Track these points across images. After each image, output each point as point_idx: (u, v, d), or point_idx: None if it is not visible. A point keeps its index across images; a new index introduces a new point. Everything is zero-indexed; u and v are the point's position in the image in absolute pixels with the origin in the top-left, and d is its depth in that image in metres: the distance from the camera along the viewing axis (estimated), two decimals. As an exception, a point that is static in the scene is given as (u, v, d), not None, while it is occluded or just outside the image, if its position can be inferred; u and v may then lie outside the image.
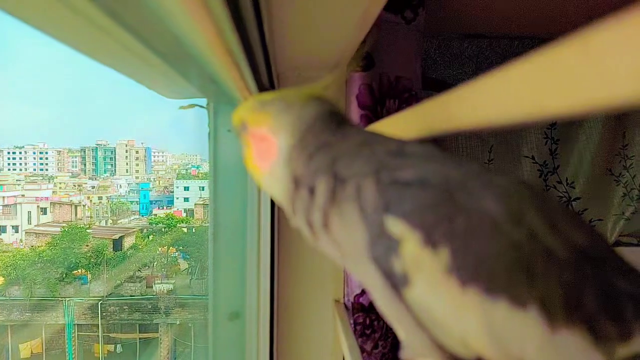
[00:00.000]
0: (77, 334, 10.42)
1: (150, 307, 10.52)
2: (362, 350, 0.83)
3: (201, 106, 0.81)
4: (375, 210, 0.27)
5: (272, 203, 0.86)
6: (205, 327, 0.90)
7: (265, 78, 0.66)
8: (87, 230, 12.12)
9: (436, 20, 0.94)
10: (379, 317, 0.84)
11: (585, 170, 1.14)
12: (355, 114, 0.81)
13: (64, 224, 12.57)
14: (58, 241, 11.20)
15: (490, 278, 0.23)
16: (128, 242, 12.15)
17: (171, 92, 0.78)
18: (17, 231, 13.87)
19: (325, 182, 0.30)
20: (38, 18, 0.39)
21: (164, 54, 0.48)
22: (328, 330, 0.92)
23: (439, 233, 0.24)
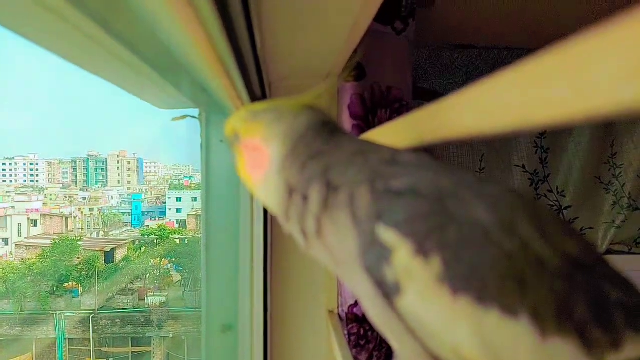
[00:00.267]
0: (69, 348, 10.25)
1: (142, 320, 10.39)
2: (357, 361, 0.82)
3: (193, 117, 0.81)
4: (368, 219, 0.27)
5: (265, 214, 0.85)
6: (199, 340, 0.89)
7: (257, 87, 0.66)
8: (78, 242, 12.00)
9: (426, 31, 0.95)
10: (373, 328, 0.84)
11: (575, 178, 1.15)
12: (347, 124, 0.81)
13: (54, 236, 12.43)
14: (49, 253, 11.07)
15: (482, 287, 0.23)
16: (120, 254, 12.03)
17: (163, 102, 0.78)
18: (7, 244, 13.68)
19: (318, 189, 0.30)
20: (28, 27, 0.39)
21: (156, 63, 0.48)
22: (322, 341, 0.91)
23: (431, 242, 0.24)
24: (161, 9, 0.27)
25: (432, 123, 0.29)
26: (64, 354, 10.12)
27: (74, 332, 10.28)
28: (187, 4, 0.26)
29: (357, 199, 0.28)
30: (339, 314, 0.89)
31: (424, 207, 0.25)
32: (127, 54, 0.44)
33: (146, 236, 13.51)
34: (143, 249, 12.86)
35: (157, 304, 10.56)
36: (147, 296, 10.79)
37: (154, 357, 10.18)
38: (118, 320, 10.40)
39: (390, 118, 0.82)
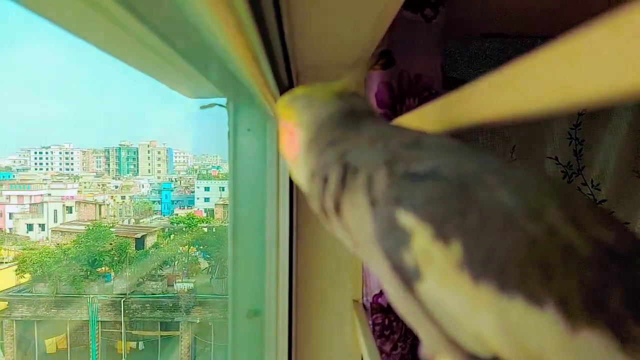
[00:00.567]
0: (101, 330, 10.63)
1: (171, 305, 10.67)
2: (381, 351, 0.82)
3: (221, 105, 0.82)
4: (386, 202, 0.27)
5: (291, 202, 0.86)
6: (225, 326, 0.91)
7: (285, 76, 0.66)
8: (111, 229, 12.37)
9: (457, 19, 0.93)
10: (398, 318, 0.83)
11: (611, 171, 1.11)
12: (374, 112, 0.81)
13: (88, 223, 12.86)
14: (83, 239, 11.46)
15: (504, 274, 0.22)
16: (150, 241, 12.35)
17: (192, 91, 0.79)
18: (43, 229, 14.25)
19: (336, 171, 0.31)
20: (60, 15, 0.40)
21: (186, 51, 0.49)
22: (347, 330, 0.91)
23: (451, 227, 0.24)
24: (192, -6, 0.28)
25: (466, 106, 0.29)
26: (97, 335, 10.51)
27: (106, 315, 10.65)
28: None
29: (375, 182, 0.28)
30: (363, 304, 0.89)
31: (444, 191, 0.25)
32: (158, 42, 0.44)
33: (175, 224, 13.82)
34: (172, 236, 13.17)
35: (185, 290, 10.82)
36: (175, 282, 11.07)
37: (181, 341, 10.45)
38: (148, 305, 10.72)
39: (419, 107, 0.81)
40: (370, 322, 0.84)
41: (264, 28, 0.42)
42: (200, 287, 11.28)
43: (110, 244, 11.44)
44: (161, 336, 10.81)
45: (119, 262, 11.12)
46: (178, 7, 0.36)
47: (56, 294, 10.57)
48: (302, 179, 0.36)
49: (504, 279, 0.23)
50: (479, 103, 0.27)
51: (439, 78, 0.84)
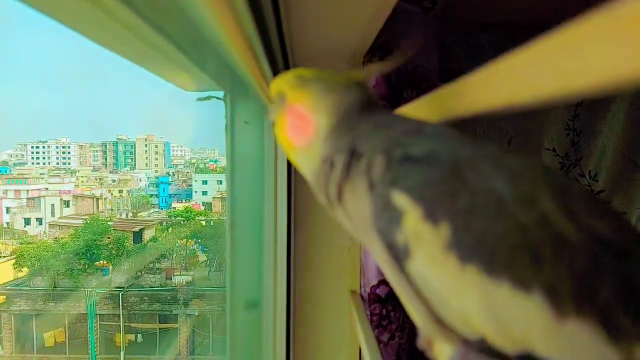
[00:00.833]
0: (99, 324, 10.65)
1: (169, 298, 10.70)
2: (379, 341, 0.82)
3: (218, 98, 0.82)
4: (382, 184, 0.27)
5: (289, 194, 0.86)
6: (223, 318, 0.91)
7: (282, 68, 0.66)
8: (109, 223, 12.36)
9: (454, 10, 0.92)
10: (395, 308, 0.84)
11: (608, 162, 1.11)
12: (372, 104, 0.80)
13: (86, 217, 12.84)
14: (80, 233, 11.45)
15: (492, 258, 0.23)
16: (148, 234, 12.35)
17: (189, 84, 0.79)
18: (41, 223, 14.22)
19: (342, 157, 0.31)
20: (55, 7, 0.40)
21: (182, 43, 0.49)
22: (344, 320, 0.92)
23: (441, 208, 0.24)
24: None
25: (462, 97, 0.29)
26: (95, 328, 10.53)
27: (104, 308, 10.67)
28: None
29: (375, 165, 0.28)
30: (361, 294, 0.90)
31: (438, 173, 0.25)
32: (153, 34, 0.44)
33: (173, 217, 13.82)
34: (170, 229, 13.17)
35: (183, 282, 10.84)
36: (173, 275, 11.09)
37: (180, 333, 10.50)
38: (146, 298, 10.74)
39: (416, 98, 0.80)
40: (368, 312, 0.84)
41: (261, 20, 0.42)
42: (199, 279, 11.31)
43: (108, 238, 11.43)
44: (159, 329, 10.84)
45: (116, 256, 11.12)
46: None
47: (54, 287, 10.58)
48: (309, 166, 0.35)
49: (491, 262, 0.23)
50: (476, 94, 0.27)
51: (437, 69, 0.84)
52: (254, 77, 0.50)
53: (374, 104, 0.34)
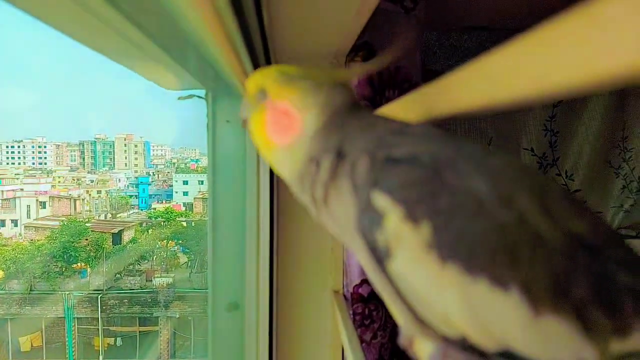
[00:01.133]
0: (77, 327, 10.43)
1: (150, 300, 10.54)
2: (361, 340, 0.83)
3: (200, 97, 0.81)
4: (365, 185, 0.27)
5: (272, 194, 0.86)
6: (205, 320, 0.90)
7: (264, 67, 0.65)
8: (87, 224, 12.11)
9: (436, 11, 0.93)
10: (377, 308, 0.84)
11: (584, 162, 1.14)
12: (354, 104, 0.81)
13: (63, 218, 12.56)
14: (57, 235, 11.19)
15: (471, 256, 0.23)
16: (127, 235, 12.15)
17: (170, 82, 0.78)
18: (16, 225, 13.85)
19: (329, 158, 0.30)
20: (34, 5, 0.39)
21: (162, 41, 0.48)
22: (327, 321, 0.92)
23: (421, 209, 0.25)
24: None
25: (442, 97, 0.29)
26: (73, 332, 10.32)
27: (82, 311, 10.46)
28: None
29: (358, 167, 0.28)
30: (344, 294, 0.90)
31: (419, 175, 0.26)
32: (133, 31, 0.43)
33: (153, 218, 13.63)
34: (150, 231, 12.98)
35: (164, 284, 10.69)
36: (154, 277, 10.92)
37: (161, 336, 10.35)
38: (126, 301, 10.56)
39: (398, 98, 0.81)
40: (351, 312, 0.84)
41: (243, 18, 0.42)
42: (180, 281, 11.16)
43: (86, 240, 11.20)
44: (140, 332, 10.67)
45: (95, 258, 10.91)
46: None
47: (30, 290, 10.32)
48: (292, 166, 0.33)
49: (470, 261, 0.23)
50: (456, 94, 0.27)
51: (418, 70, 0.85)
52: (236, 76, 0.50)
53: (357, 104, 0.34)
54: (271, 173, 0.84)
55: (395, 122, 0.31)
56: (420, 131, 0.29)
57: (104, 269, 10.84)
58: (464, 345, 0.25)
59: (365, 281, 0.83)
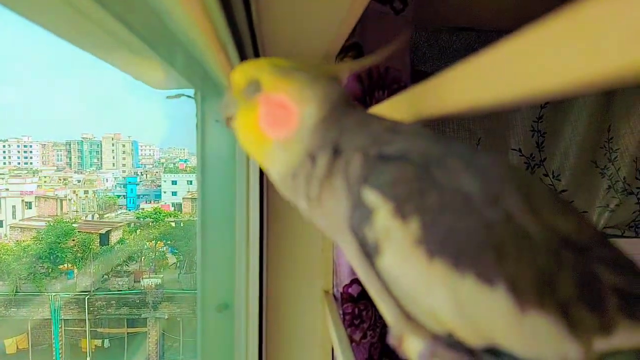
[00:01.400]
0: (64, 329, 10.30)
1: (138, 301, 10.44)
2: (351, 340, 0.83)
3: (189, 96, 0.80)
4: (356, 182, 0.27)
5: (261, 194, 0.85)
6: (194, 321, 0.90)
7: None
8: (73, 225, 11.97)
9: (425, 12, 0.94)
10: (367, 307, 0.85)
11: (571, 162, 1.16)
12: (344, 104, 0.81)
13: (49, 219, 12.40)
14: (43, 235, 11.04)
15: (458, 253, 0.24)
16: (115, 236, 12.03)
17: (158, 82, 0.77)
18: (1, 226, 13.63)
19: (324, 155, 0.30)
20: (20, 3, 0.38)
21: (150, 39, 0.47)
22: (317, 321, 0.92)
23: (410, 205, 0.25)
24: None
25: (431, 98, 0.29)
26: (60, 334, 10.18)
27: (69, 313, 10.33)
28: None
29: (351, 164, 0.28)
30: (334, 294, 0.90)
31: (409, 172, 0.26)
32: (120, 29, 0.43)
33: (141, 219, 13.50)
34: (138, 231, 12.86)
35: (153, 285, 10.61)
36: (142, 278, 10.83)
37: (149, 337, 10.27)
38: (113, 302, 10.45)
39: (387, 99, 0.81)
40: (341, 311, 0.84)
41: (232, 18, 0.42)
42: (168, 282, 11.08)
43: (73, 240, 11.06)
44: (128, 333, 10.58)
45: (82, 259, 10.78)
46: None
47: (16, 292, 10.17)
48: (286, 160, 0.32)
49: (458, 257, 0.23)
50: (445, 94, 0.27)
51: (408, 71, 0.85)
52: (225, 75, 0.50)
53: (350, 101, 0.34)
54: (261, 173, 0.84)
55: (388, 120, 0.31)
56: (412, 130, 0.29)
57: (91, 270, 10.72)
58: (451, 341, 0.26)
59: (355, 281, 0.83)
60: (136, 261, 11.62)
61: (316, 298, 0.92)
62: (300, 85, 0.32)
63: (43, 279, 10.38)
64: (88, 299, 10.27)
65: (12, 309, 10.21)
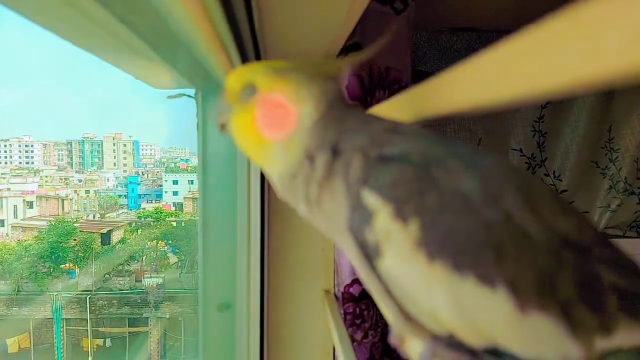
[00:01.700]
0: (66, 329, 10.32)
1: (139, 301, 10.46)
2: (352, 339, 0.83)
3: (189, 96, 0.80)
4: (356, 183, 0.27)
5: (262, 194, 0.85)
6: (195, 320, 0.90)
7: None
8: (75, 224, 11.98)
9: (426, 12, 0.94)
10: (368, 307, 0.85)
11: (572, 163, 1.16)
12: (345, 104, 0.81)
13: (50, 218, 12.41)
14: (45, 235, 11.06)
15: (458, 254, 0.24)
16: (116, 236, 12.04)
17: (159, 81, 0.77)
18: (2, 225, 13.65)
19: (323, 156, 0.30)
20: (21, 3, 0.38)
21: (152, 40, 0.48)
22: (318, 320, 0.92)
23: (410, 207, 0.25)
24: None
25: (432, 98, 0.29)
26: (61, 333, 10.20)
27: (70, 312, 10.35)
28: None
29: (351, 165, 0.28)
30: (335, 294, 0.90)
31: (408, 173, 0.26)
32: (122, 29, 0.43)
33: (142, 218, 13.52)
34: (140, 231, 12.87)
35: (154, 285, 10.62)
36: (143, 278, 10.84)
37: (150, 337, 10.27)
38: (115, 301, 10.47)
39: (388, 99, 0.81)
40: (342, 311, 0.84)
41: (233, 16, 0.42)
42: (170, 281, 11.09)
43: (74, 240, 11.08)
44: (129, 332, 10.59)
45: (83, 258, 10.80)
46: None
47: (17, 291, 10.19)
48: (285, 161, 0.31)
49: (458, 258, 0.23)
50: (446, 94, 0.27)
51: (409, 71, 0.85)
52: (226, 75, 0.50)
53: (347, 101, 0.33)
54: (262, 172, 0.84)
55: (388, 120, 0.31)
56: (412, 130, 0.29)
57: (93, 269, 10.73)
58: (452, 341, 0.26)
59: (356, 281, 0.84)
60: (137, 261, 11.64)
61: (317, 298, 0.92)
62: (295, 84, 0.32)
63: (45, 278, 10.40)
64: (89, 298, 10.29)
65: (14, 309, 10.23)
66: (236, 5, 0.43)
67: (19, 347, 10.36)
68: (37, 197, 14.62)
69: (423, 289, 0.25)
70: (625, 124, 1.15)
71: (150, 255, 11.99)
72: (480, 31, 1.11)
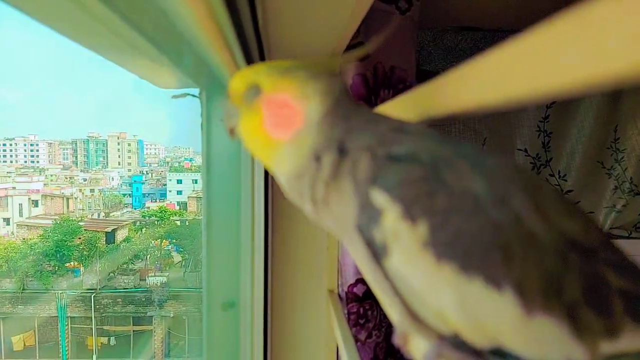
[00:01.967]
0: (71, 327, 10.38)
1: (143, 299, 10.50)
2: (356, 339, 0.83)
3: (194, 95, 0.81)
4: (365, 182, 0.27)
5: (266, 193, 0.85)
6: (199, 319, 0.90)
7: (259, 66, 0.65)
8: (80, 223, 12.04)
9: (430, 12, 0.94)
10: (372, 307, 0.85)
11: (577, 163, 1.15)
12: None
13: (55, 217, 12.48)
14: (50, 233, 11.12)
15: (466, 256, 0.23)
16: (121, 234, 12.09)
17: (163, 81, 0.77)
18: (8, 223, 13.74)
19: (330, 155, 0.29)
20: (27, 2, 0.38)
21: (156, 39, 0.48)
22: (322, 320, 0.92)
23: (419, 207, 0.25)
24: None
25: (437, 98, 0.29)
26: (66, 331, 10.25)
27: (75, 310, 10.40)
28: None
29: (359, 164, 0.28)
30: (338, 294, 0.90)
31: (417, 173, 0.26)
32: (127, 29, 0.43)
33: (147, 217, 13.57)
34: (144, 230, 12.93)
35: (158, 284, 10.65)
36: (148, 276, 10.88)
37: (155, 335, 10.31)
38: (119, 300, 10.52)
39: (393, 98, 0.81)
40: (346, 311, 0.84)
41: (237, 16, 0.42)
42: (174, 281, 11.13)
43: (79, 238, 11.13)
44: (134, 331, 10.63)
45: (88, 257, 10.85)
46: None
47: (23, 289, 10.25)
48: (293, 161, 0.31)
49: (465, 260, 0.23)
50: (451, 94, 0.27)
51: (413, 70, 0.85)
52: (230, 75, 0.50)
53: (353, 99, 0.33)
54: (266, 171, 0.84)
55: (394, 119, 0.31)
56: (418, 130, 0.29)
57: (98, 268, 10.79)
58: (457, 341, 0.26)
59: (360, 280, 0.83)
60: (142, 259, 11.69)
61: (321, 297, 0.92)
62: (300, 82, 0.31)
63: (50, 276, 10.46)
64: (94, 296, 10.34)
65: (19, 306, 10.30)
66: (240, 4, 0.43)
67: (24, 344, 10.42)
68: (42, 195, 14.70)
69: (430, 289, 0.25)
70: (632, 124, 1.14)
71: (154, 254, 12.03)
72: (485, 31, 1.10)
